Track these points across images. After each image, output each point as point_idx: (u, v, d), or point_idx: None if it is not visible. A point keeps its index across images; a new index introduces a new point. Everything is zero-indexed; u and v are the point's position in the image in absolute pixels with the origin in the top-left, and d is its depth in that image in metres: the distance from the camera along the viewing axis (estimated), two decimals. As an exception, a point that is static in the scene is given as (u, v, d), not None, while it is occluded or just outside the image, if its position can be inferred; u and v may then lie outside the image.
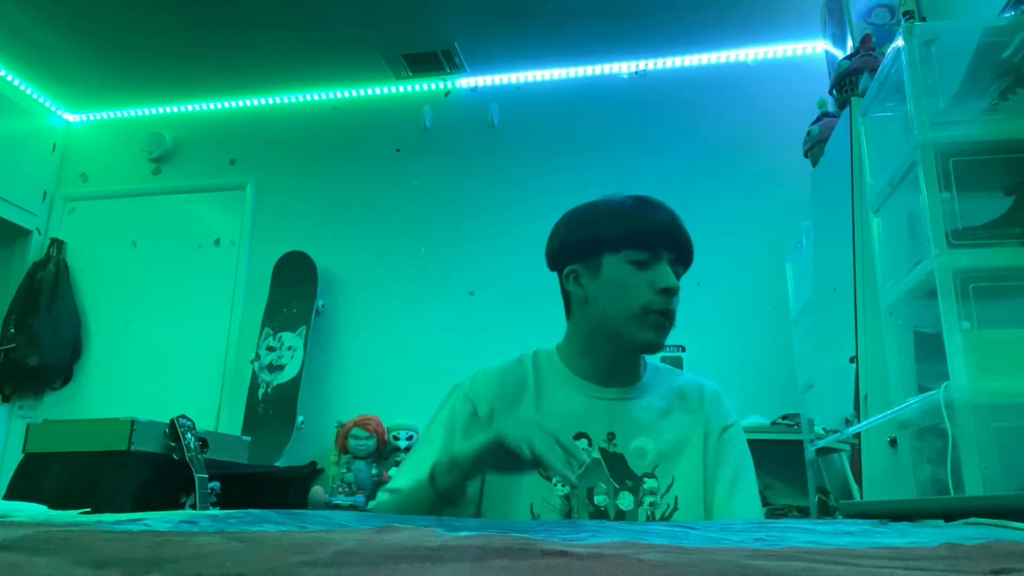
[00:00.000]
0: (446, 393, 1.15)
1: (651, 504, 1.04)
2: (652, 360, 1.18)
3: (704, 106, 3.57)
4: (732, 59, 3.58)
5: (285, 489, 3.14)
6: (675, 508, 1.05)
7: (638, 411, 1.11)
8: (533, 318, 3.49)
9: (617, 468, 1.06)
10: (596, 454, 1.07)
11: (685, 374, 1.20)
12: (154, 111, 4.21)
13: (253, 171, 4.00)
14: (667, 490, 1.05)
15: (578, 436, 1.08)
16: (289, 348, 3.53)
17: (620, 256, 1.08)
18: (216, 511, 0.60)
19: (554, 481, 1.05)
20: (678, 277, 1.09)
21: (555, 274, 1.17)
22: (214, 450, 2.37)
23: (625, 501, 1.04)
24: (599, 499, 1.04)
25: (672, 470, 1.07)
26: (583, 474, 1.03)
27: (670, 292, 1.05)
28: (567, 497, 1.04)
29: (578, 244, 1.13)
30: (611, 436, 1.08)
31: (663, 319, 1.06)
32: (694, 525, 0.68)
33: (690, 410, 1.13)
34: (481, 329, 3.48)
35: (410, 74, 3.81)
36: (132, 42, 3.58)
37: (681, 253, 1.10)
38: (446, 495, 0.96)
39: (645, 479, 1.06)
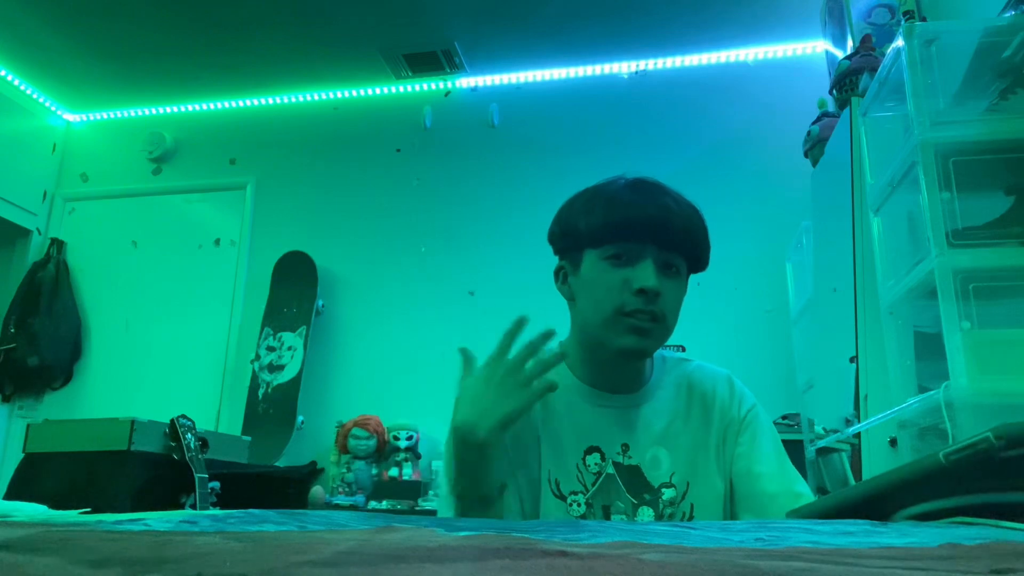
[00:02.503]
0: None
1: (669, 516, 0.98)
2: (659, 351, 1.07)
3: (704, 106, 3.57)
4: (732, 59, 3.58)
5: (285, 489, 3.14)
6: (690, 517, 0.98)
7: (651, 416, 1.02)
8: (534, 318, 3.50)
9: (634, 482, 0.99)
10: (610, 469, 0.99)
11: (693, 362, 1.10)
12: (154, 111, 4.21)
13: (253, 171, 4.00)
14: (683, 498, 0.99)
15: (590, 450, 1.00)
16: (289, 348, 3.53)
17: (599, 252, 0.97)
18: (216, 511, 0.60)
19: (568, 500, 0.98)
20: (680, 273, 0.98)
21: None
22: (214, 450, 2.37)
23: (645, 516, 0.97)
24: (616, 517, 0.97)
25: (688, 476, 0.99)
26: (597, 489, 0.98)
27: (647, 294, 0.93)
28: (583, 517, 0.98)
29: (561, 238, 1.03)
30: (625, 448, 1.00)
31: (641, 323, 0.94)
32: (694, 525, 0.68)
33: (704, 406, 1.04)
34: (481, 329, 3.47)
35: (410, 74, 3.81)
36: (132, 42, 3.58)
37: (675, 246, 0.96)
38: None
39: (663, 489, 0.99)
